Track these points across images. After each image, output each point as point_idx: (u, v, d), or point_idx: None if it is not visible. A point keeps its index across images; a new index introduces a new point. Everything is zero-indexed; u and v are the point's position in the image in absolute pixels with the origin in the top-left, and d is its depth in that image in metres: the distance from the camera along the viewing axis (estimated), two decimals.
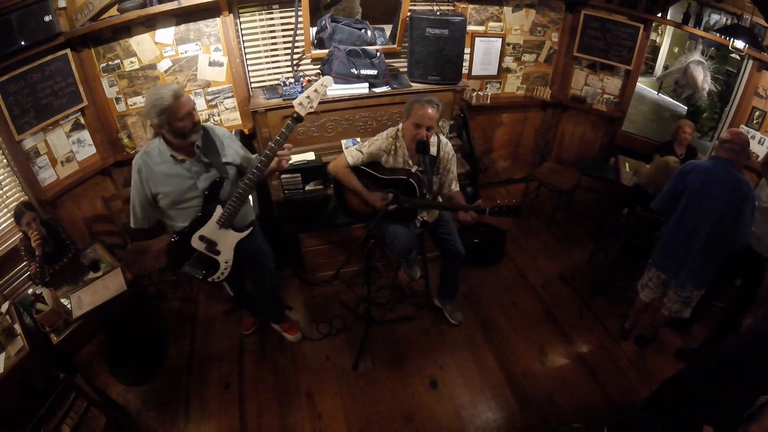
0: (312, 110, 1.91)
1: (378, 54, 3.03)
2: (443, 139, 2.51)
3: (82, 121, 2.93)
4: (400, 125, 2.43)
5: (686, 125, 3.43)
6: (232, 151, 2.06)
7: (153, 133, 1.92)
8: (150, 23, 2.83)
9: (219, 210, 1.96)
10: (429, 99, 2.29)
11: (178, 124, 1.79)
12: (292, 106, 1.89)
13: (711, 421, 1.79)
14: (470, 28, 3.55)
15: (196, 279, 2.04)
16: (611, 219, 3.30)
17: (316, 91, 1.89)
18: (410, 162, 2.44)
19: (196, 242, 1.98)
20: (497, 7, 3.61)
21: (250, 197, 2.95)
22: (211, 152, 1.96)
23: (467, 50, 3.60)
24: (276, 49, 3.20)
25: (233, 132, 3.09)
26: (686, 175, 2.33)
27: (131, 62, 2.92)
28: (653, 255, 2.55)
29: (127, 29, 2.81)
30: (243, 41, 3.10)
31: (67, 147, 2.89)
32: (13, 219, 2.62)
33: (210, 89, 3.17)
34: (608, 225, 3.33)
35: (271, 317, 2.86)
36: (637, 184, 3.09)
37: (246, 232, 2.05)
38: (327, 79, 1.92)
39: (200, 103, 3.18)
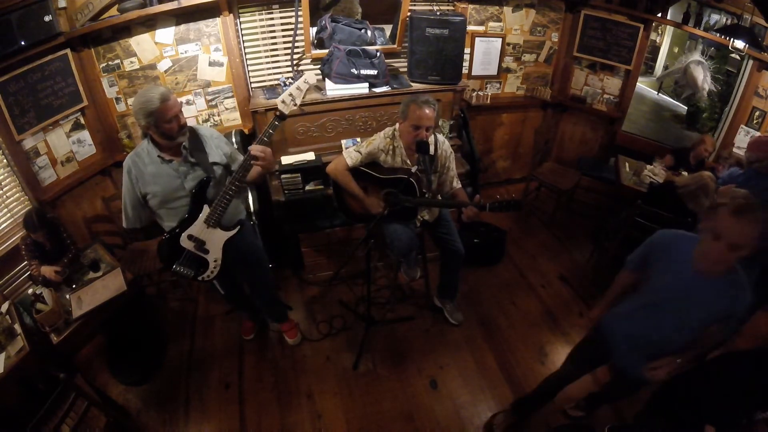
0: (296, 108, 1.90)
1: (378, 54, 3.03)
2: (440, 137, 2.50)
3: (82, 121, 2.93)
4: (397, 125, 2.43)
5: (708, 142, 3.36)
6: (219, 150, 2.07)
7: (142, 134, 1.95)
8: (150, 23, 2.83)
9: (206, 209, 1.98)
10: (425, 99, 2.27)
11: (165, 126, 1.82)
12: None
13: (713, 421, 1.79)
14: (470, 28, 3.54)
15: (186, 277, 2.06)
16: (613, 217, 3.28)
17: (298, 88, 1.88)
18: (408, 162, 2.44)
19: (185, 241, 2.00)
20: (497, 7, 3.60)
21: (250, 196, 2.98)
22: (198, 152, 1.98)
23: (467, 50, 3.60)
24: (276, 49, 3.20)
25: (233, 132, 3.10)
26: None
27: (131, 62, 2.92)
28: None
29: (127, 29, 2.81)
30: (243, 41, 3.09)
31: (67, 147, 2.89)
32: (12, 219, 2.64)
33: (210, 89, 3.16)
34: (609, 223, 3.32)
35: (270, 318, 2.86)
36: (671, 181, 3.01)
37: (233, 231, 2.06)
38: (309, 75, 1.90)
39: (200, 103, 3.18)
